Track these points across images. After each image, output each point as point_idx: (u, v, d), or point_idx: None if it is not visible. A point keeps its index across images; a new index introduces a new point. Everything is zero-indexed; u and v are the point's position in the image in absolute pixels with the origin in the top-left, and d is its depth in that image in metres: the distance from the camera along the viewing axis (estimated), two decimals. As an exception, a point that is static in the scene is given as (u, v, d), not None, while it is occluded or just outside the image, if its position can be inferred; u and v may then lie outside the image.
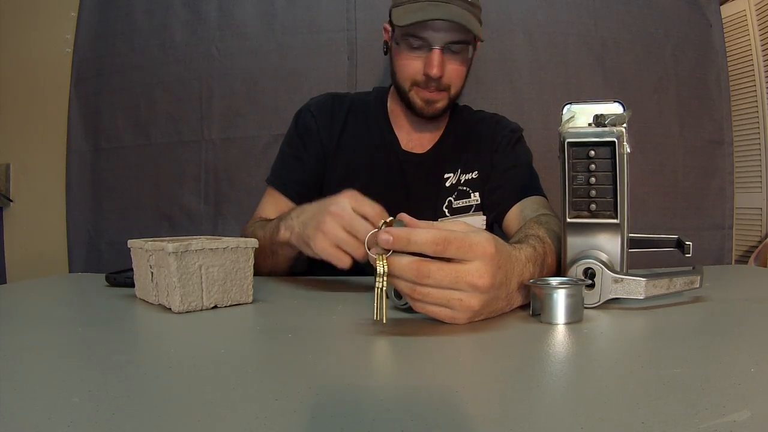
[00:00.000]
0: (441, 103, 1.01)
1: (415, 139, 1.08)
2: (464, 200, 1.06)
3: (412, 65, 0.98)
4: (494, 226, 1.07)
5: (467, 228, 0.53)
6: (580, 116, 0.64)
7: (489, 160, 1.07)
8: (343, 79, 1.47)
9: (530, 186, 1.03)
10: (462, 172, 1.07)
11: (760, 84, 1.92)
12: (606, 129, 0.60)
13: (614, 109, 0.63)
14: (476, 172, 1.07)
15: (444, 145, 1.08)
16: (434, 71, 0.94)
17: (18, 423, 0.32)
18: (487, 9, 1.46)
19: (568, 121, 0.64)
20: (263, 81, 1.49)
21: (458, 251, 0.50)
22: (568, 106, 0.65)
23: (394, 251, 0.50)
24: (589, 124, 0.62)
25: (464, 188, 1.06)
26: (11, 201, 1.76)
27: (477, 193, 1.06)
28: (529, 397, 0.36)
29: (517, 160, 1.07)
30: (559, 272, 0.67)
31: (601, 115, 0.61)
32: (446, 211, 1.05)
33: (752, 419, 0.30)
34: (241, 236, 0.95)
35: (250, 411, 0.34)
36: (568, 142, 0.61)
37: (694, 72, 1.51)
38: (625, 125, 0.60)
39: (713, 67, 1.52)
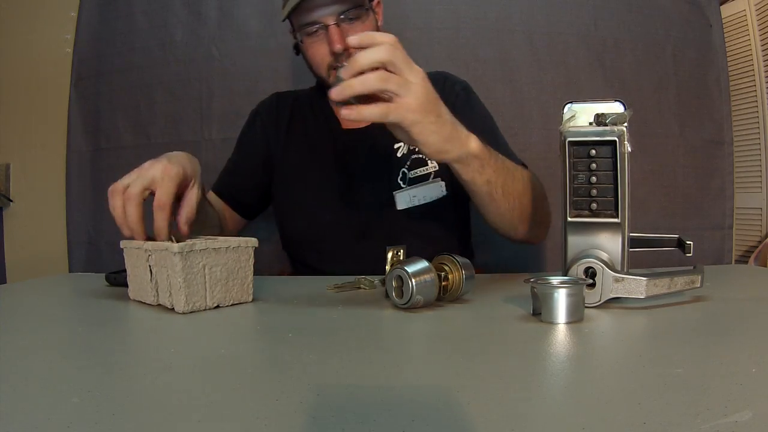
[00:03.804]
0: None
1: None
2: (420, 169, 1.02)
3: (319, 52, 0.97)
4: (457, 198, 1.01)
5: None
6: (580, 115, 0.64)
7: None
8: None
9: (510, 153, 0.97)
10: None
11: (760, 84, 1.92)
12: (607, 128, 0.60)
13: (615, 108, 0.63)
14: None
15: None
16: (336, 47, 0.93)
17: (18, 423, 0.32)
18: (487, 9, 1.47)
19: (568, 120, 0.64)
20: (263, 81, 1.49)
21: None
22: (569, 105, 0.65)
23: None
24: (590, 123, 0.62)
25: (419, 156, 1.02)
26: (11, 201, 1.76)
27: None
28: (530, 397, 0.36)
29: (484, 123, 1.03)
30: (537, 212, 0.77)
31: (602, 114, 0.61)
32: (401, 182, 1.02)
33: (754, 419, 0.30)
34: None
35: (250, 411, 0.33)
36: (569, 141, 0.61)
37: (694, 72, 1.51)
38: (625, 124, 0.60)
39: (713, 67, 1.52)
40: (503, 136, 1.04)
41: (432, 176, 1.02)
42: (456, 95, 1.05)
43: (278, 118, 1.12)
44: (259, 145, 1.12)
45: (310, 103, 1.12)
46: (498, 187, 0.78)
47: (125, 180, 0.70)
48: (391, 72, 0.64)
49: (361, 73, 0.64)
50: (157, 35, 1.54)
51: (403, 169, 1.03)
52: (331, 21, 0.93)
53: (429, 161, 1.03)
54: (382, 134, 1.04)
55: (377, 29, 1.01)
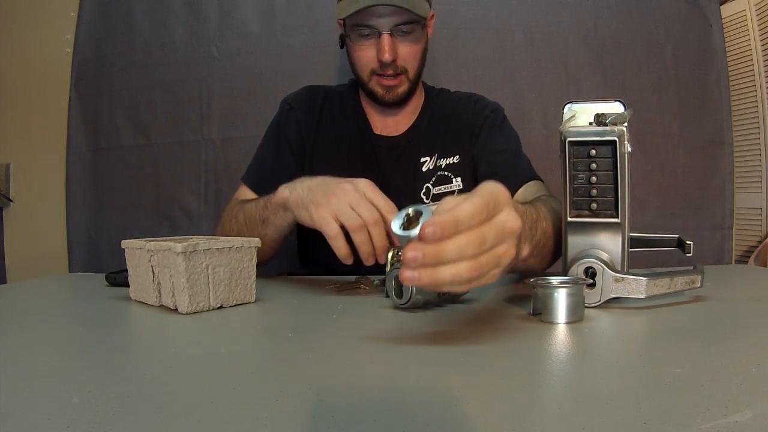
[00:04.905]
0: (401, 88, 1.01)
1: (390, 124, 1.07)
2: (445, 186, 1.03)
3: (365, 55, 0.99)
4: None
5: (479, 188, 0.48)
6: (581, 115, 0.64)
7: (472, 143, 1.04)
8: (343, 79, 1.47)
9: (528, 170, 1.01)
10: (440, 157, 1.04)
11: (760, 84, 1.92)
12: (607, 128, 0.60)
13: (615, 108, 0.63)
14: (457, 156, 1.04)
15: (419, 128, 1.07)
16: (386, 56, 0.95)
17: (18, 423, 0.32)
18: (487, 9, 1.47)
19: (569, 120, 0.64)
20: (263, 81, 1.49)
21: (494, 209, 0.46)
22: (569, 105, 0.65)
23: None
24: (590, 123, 0.62)
25: (445, 173, 1.03)
26: (11, 201, 1.76)
27: (459, 178, 1.03)
28: (530, 397, 0.36)
29: (508, 143, 1.05)
30: (557, 247, 0.69)
31: (602, 114, 0.61)
32: (424, 197, 1.02)
33: (754, 419, 0.30)
34: (222, 222, 0.96)
35: (250, 411, 0.33)
36: (569, 141, 0.61)
37: (694, 72, 1.51)
38: (626, 124, 0.60)
39: (713, 67, 1.52)
40: (529, 160, 1.05)
41: (456, 194, 1.02)
42: (485, 117, 1.06)
43: (310, 111, 1.10)
44: (295, 136, 1.08)
45: (341, 101, 1.10)
46: (533, 257, 0.67)
47: (327, 213, 0.69)
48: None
49: None
50: (157, 35, 1.54)
51: (428, 185, 1.03)
52: (385, 29, 0.95)
53: (454, 178, 1.03)
54: (410, 145, 1.06)
55: (426, 46, 1.02)
